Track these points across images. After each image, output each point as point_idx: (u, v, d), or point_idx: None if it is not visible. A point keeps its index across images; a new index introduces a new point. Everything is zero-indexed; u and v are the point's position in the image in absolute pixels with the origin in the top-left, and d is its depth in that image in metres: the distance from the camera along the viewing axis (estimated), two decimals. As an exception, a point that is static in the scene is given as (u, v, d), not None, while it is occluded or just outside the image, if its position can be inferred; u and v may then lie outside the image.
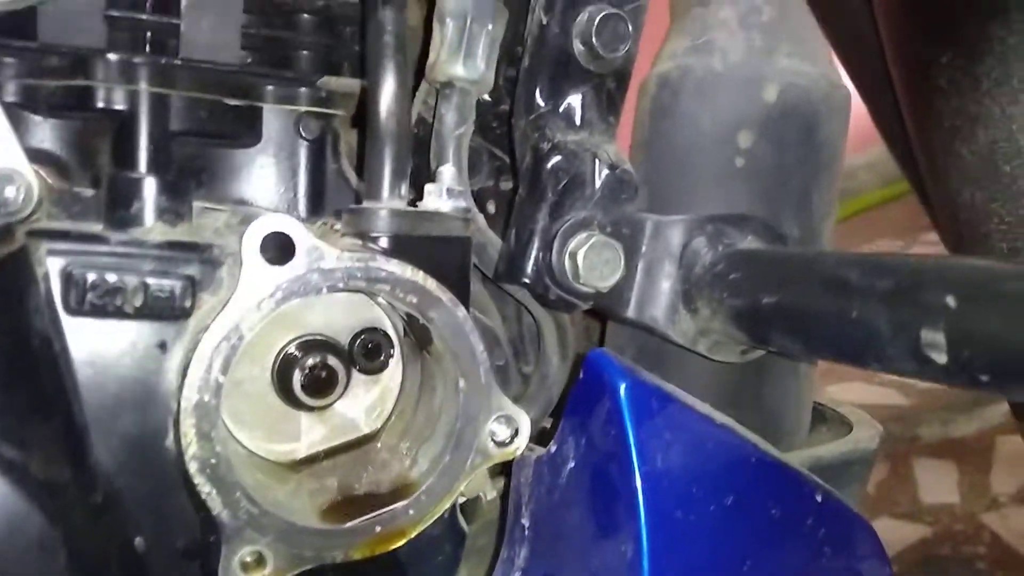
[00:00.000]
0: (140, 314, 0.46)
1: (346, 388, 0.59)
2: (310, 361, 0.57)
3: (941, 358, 0.39)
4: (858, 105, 0.76)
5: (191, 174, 0.56)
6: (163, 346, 0.47)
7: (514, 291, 0.68)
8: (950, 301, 0.39)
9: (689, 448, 0.52)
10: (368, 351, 0.61)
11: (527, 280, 0.59)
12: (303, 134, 0.64)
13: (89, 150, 0.56)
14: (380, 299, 0.60)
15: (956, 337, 0.39)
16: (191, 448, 0.47)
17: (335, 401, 0.59)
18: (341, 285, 0.50)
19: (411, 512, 0.53)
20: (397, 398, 0.62)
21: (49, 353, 0.43)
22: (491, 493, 0.71)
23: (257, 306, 0.48)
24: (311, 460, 0.60)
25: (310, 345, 0.58)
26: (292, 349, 0.58)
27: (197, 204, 0.52)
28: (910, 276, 0.42)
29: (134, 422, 0.46)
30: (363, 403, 0.62)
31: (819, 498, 0.58)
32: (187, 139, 0.57)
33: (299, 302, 0.59)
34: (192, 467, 0.47)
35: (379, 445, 0.61)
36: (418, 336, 0.59)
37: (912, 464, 2.51)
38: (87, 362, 0.45)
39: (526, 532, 0.59)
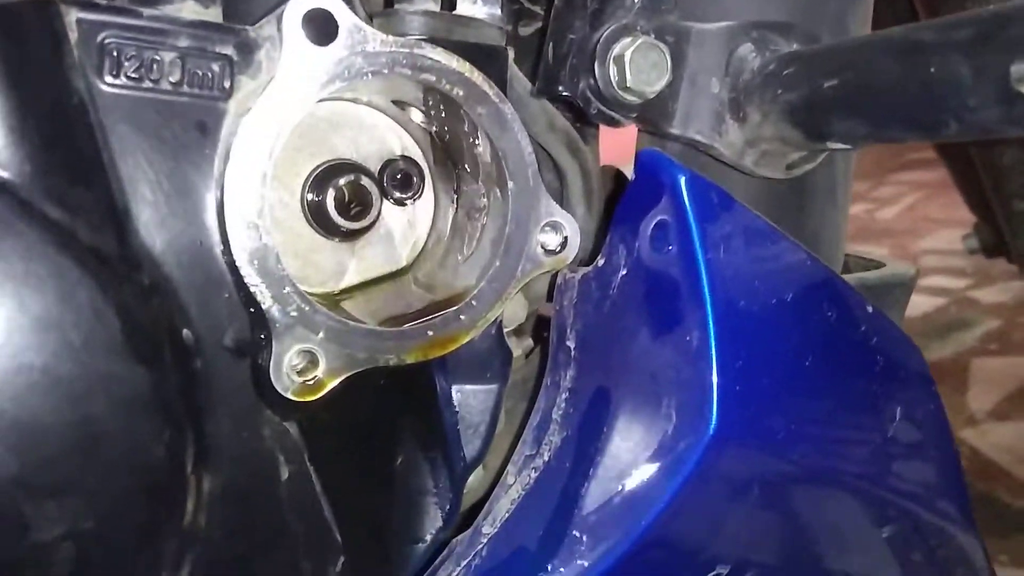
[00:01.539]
0: (177, 91, 0.43)
1: (378, 216, 0.57)
2: (342, 181, 0.55)
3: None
4: None
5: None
6: (203, 128, 0.44)
7: (540, 129, 0.65)
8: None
9: (749, 243, 0.50)
10: (398, 179, 0.58)
11: (568, 92, 0.57)
12: None
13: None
14: (412, 117, 0.58)
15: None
16: (237, 237, 0.45)
17: (368, 227, 0.57)
18: (386, 71, 0.48)
19: (463, 318, 0.51)
20: (431, 228, 0.60)
21: (86, 120, 0.40)
22: (516, 350, 0.70)
23: (300, 89, 0.46)
24: (346, 292, 0.58)
25: (341, 167, 0.56)
26: (322, 171, 0.56)
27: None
28: (992, 20, 0.41)
29: (176, 208, 0.43)
30: (395, 233, 0.60)
31: (870, 309, 0.57)
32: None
33: (326, 124, 0.57)
34: (239, 257, 0.45)
35: (415, 277, 0.59)
36: (451, 154, 0.57)
37: (892, 385, 2.54)
38: (123, 139, 0.42)
39: (572, 354, 0.57)
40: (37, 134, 0.37)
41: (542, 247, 0.53)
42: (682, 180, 0.49)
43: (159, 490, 0.40)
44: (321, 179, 0.55)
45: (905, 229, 3.80)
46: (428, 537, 0.54)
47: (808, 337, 0.52)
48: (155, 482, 0.39)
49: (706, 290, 0.47)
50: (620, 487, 0.51)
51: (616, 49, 0.55)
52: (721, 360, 0.47)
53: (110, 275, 0.39)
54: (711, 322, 0.47)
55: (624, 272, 0.53)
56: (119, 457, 0.38)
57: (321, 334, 0.47)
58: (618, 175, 0.85)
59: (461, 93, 0.50)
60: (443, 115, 0.54)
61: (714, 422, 0.47)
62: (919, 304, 2.88)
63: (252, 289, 0.45)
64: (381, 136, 0.59)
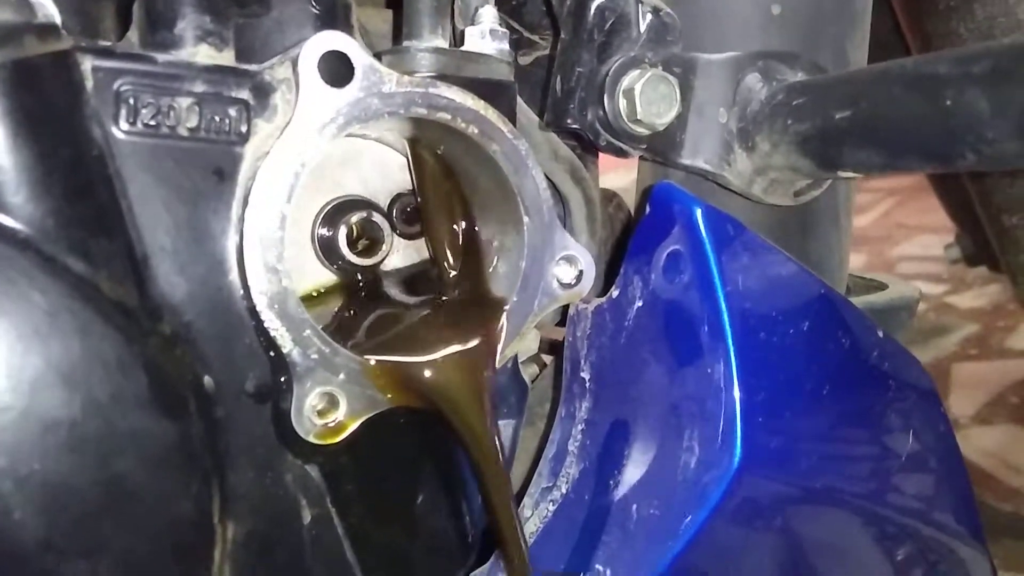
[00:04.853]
0: (195, 137, 0.43)
1: (389, 252, 0.57)
2: (354, 218, 0.54)
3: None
4: None
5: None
6: (220, 173, 0.44)
7: (544, 158, 0.65)
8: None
9: (765, 274, 0.51)
10: (408, 214, 0.58)
11: (577, 125, 0.57)
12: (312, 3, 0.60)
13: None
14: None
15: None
16: (257, 282, 0.44)
17: (380, 262, 0.56)
18: (402, 111, 0.47)
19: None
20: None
21: (105, 171, 0.40)
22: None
23: (318, 131, 0.45)
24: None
25: (352, 204, 0.56)
26: (333, 208, 0.55)
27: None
28: (1010, 53, 0.41)
29: (195, 255, 0.43)
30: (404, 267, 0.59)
31: (880, 334, 0.57)
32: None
33: (336, 161, 0.57)
34: (259, 302, 0.44)
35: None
36: (462, 189, 0.57)
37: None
38: (141, 187, 0.41)
39: (587, 385, 0.57)
40: (59, 187, 0.37)
41: (557, 280, 0.53)
42: (698, 212, 0.49)
43: (189, 544, 0.39)
44: (332, 216, 0.55)
45: (881, 236, 3.84)
46: (449, 574, 0.53)
47: (825, 365, 0.52)
48: (185, 537, 0.39)
49: (726, 322, 0.47)
50: (643, 520, 0.50)
51: (625, 82, 0.55)
52: (744, 392, 0.47)
53: (134, 328, 0.38)
54: (733, 354, 0.47)
55: (640, 304, 0.53)
56: (149, 514, 0.37)
57: (342, 376, 0.46)
58: (614, 197, 0.86)
59: (476, 131, 0.50)
60: (453, 152, 0.54)
61: (739, 454, 0.47)
62: (899, 311, 2.90)
63: (272, 333, 0.44)
64: (390, 171, 0.58)
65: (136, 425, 0.37)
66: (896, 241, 3.70)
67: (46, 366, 0.35)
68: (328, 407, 0.46)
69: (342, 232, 0.54)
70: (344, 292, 0.55)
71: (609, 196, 0.84)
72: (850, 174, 0.52)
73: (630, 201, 0.75)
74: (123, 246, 0.40)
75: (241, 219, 0.44)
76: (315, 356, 0.46)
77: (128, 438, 0.36)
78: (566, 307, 0.58)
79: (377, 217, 0.55)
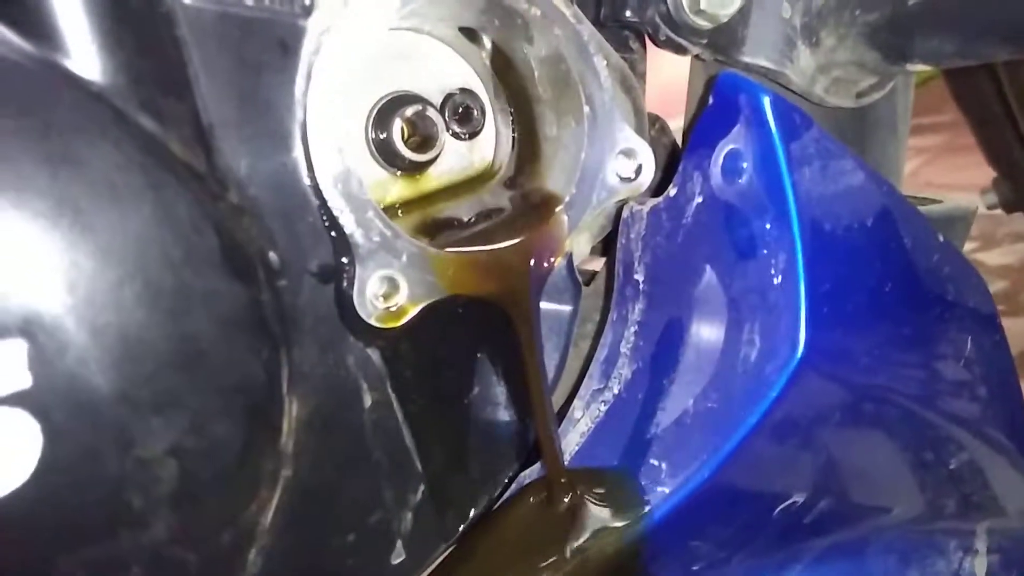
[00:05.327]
0: (259, 6, 0.42)
1: (443, 149, 0.56)
2: (409, 112, 0.54)
3: None
4: None
5: None
6: (284, 47, 0.43)
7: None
8: None
9: (829, 165, 0.50)
10: (461, 113, 0.57)
11: (636, 18, 0.55)
12: None
13: None
14: (475, 47, 0.56)
15: None
16: (321, 160, 0.44)
17: (433, 159, 0.56)
18: (464, -11, 0.46)
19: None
20: (492, 160, 0.59)
21: (173, 32, 0.39)
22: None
23: (381, 4, 0.44)
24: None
25: (406, 99, 0.55)
26: (388, 102, 0.55)
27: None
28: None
29: (259, 129, 0.42)
30: (456, 167, 0.59)
31: (940, 239, 0.56)
32: None
33: (388, 56, 0.56)
34: (323, 180, 0.44)
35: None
36: (517, 82, 0.56)
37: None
38: (206, 55, 0.41)
39: (640, 287, 0.57)
40: (131, 40, 0.36)
41: (616, 174, 0.52)
42: (766, 100, 0.48)
43: (259, 408, 0.39)
44: (387, 110, 0.54)
45: (909, 195, 3.78)
46: (504, 469, 0.53)
47: (887, 262, 0.51)
48: (255, 400, 0.39)
49: (793, 211, 0.47)
50: (700, 414, 0.50)
51: (688, -29, 0.54)
52: (809, 282, 0.46)
53: (205, 191, 0.38)
54: (799, 243, 0.46)
55: (699, 200, 0.52)
56: (221, 373, 0.37)
57: (404, 259, 0.46)
58: (657, 121, 0.84)
59: (538, 13, 0.48)
60: (511, 40, 0.53)
61: (802, 344, 0.46)
62: (928, 266, 2.87)
63: (335, 213, 0.44)
64: (442, 68, 0.57)
65: (209, 285, 0.37)
66: (924, 199, 3.65)
67: (120, 218, 0.34)
68: (389, 290, 0.46)
69: (396, 126, 0.53)
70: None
71: (653, 119, 0.82)
72: (919, 66, 0.51)
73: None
74: (191, 111, 0.39)
75: (305, 94, 0.43)
76: (377, 239, 0.45)
77: (201, 296, 0.36)
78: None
79: (431, 112, 0.54)
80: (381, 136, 0.54)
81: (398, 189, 0.56)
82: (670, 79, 0.79)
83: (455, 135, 0.57)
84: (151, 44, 0.37)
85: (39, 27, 0.35)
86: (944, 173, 3.79)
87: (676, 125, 0.68)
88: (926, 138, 4.22)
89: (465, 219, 0.55)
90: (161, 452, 0.36)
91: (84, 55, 0.35)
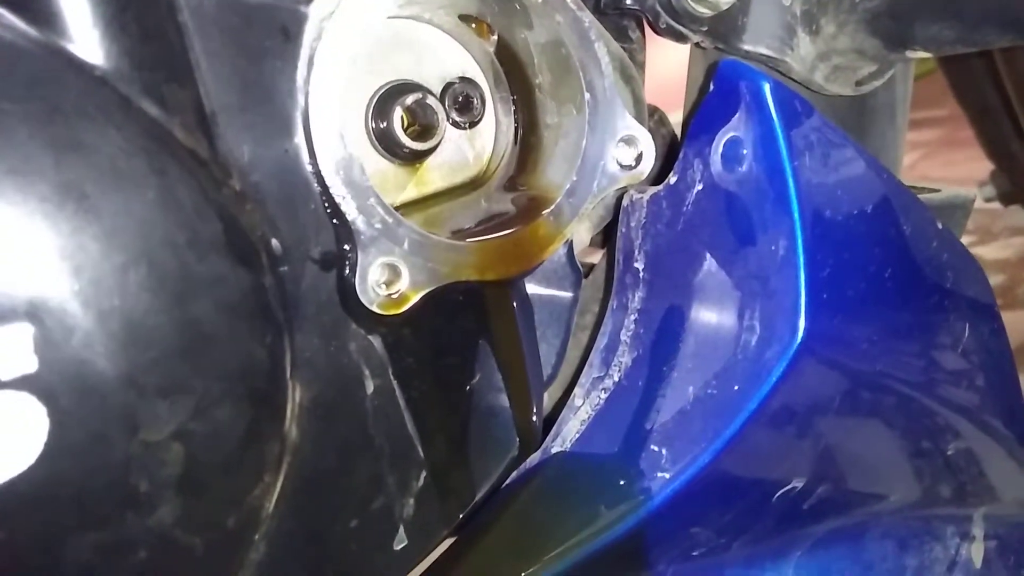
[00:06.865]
0: (261, -8, 0.42)
1: (443, 138, 0.56)
2: (409, 100, 0.54)
3: None
4: None
5: None
6: (286, 33, 0.43)
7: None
8: None
9: (830, 152, 0.50)
10: (461, 102, 0.57)
11: (636, 6, 0.56)
12: None
13: None
14: (475, 36, 0.57)
15: None
16: (323, 146, 0.44)
17: (433, 148, 0.56)
18: (466, -25, 0.46)
19: (540, 233, 0.50)
20: (492, 150, 0.59)
21: (176, 17, 0.39)
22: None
23: (383, -10, 0.44)
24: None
25: (407, 87, 0.55)
26: (387, 91, 0.55)
27: None
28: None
29: (262, 115, 0.42)
30: (455, 157, 0.59)
31: (940, 226, 0.56)
32: None
33: (388, 44, 0.56)
34: (325, 166, 0.44)
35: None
36: (518, 70, 0.56)
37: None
38: (208, 41, 0.41)
39: (641, 275, 0.57)
40: (134, 26, 0.36)
41: (617, 162, 0.52)
42: (767, 87, 0.48)
43: (263, 393, 0.39)
44: (386, 98, 0.54)
45: (908, 185, 3.79)
46: (506, 455, 0.54)
47: (887, 249, 0.52)
48: (259, 385, 0.39)
49: (793, 197, 0.47)
50: (700, 400, 0.50)
51: (688, -41, 0.54)
52: (809, 267, 0.47)
53: (208, 177, 0.38)
54: (799, 228, 0.46)
55: (700, 187, 0.52)
56: (225, 358, 0.37)
57: (405, 246, 0.46)
58: (656, 111, 0.84)
59: (539, 0, 0.49)
60: (511, 27, 0.53)
61: (802, 329, 0.46)
62: (925, 259, 2.88)
63: (337, 200, 0.44)
64: (442, 57, 0.57)
65: (212, 270, 0.37)
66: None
67: (124, 202, 0.35)
68: (391, 277, 0.46)
69: (396, 115, 0.53)
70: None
71: (651, 110, 0.83)
72: (920, 53, 0.51)
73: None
74: (194, 97, 0.39)
75: (307, 81, 0.43)
76: (379, 225, 0.45)
77: (205, 281, 0.36)
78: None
79: (432, 100, 0.54)
80: (381, 125, 0.54)
81: (397, 178, 0.57)
82: (666, 74, 0.79)
83: (455, 124, 0.57)
84: (154, 29, 0.38)
85: (42, 11, 0.35)
86: (941, 168, 3.79)
87: (673, 119, 0.68)
88: (923, 133, 4.23)
89: (467, 227, 0.55)
90: (167, 436, 0.36)
91: (87, 40, 0.35)
